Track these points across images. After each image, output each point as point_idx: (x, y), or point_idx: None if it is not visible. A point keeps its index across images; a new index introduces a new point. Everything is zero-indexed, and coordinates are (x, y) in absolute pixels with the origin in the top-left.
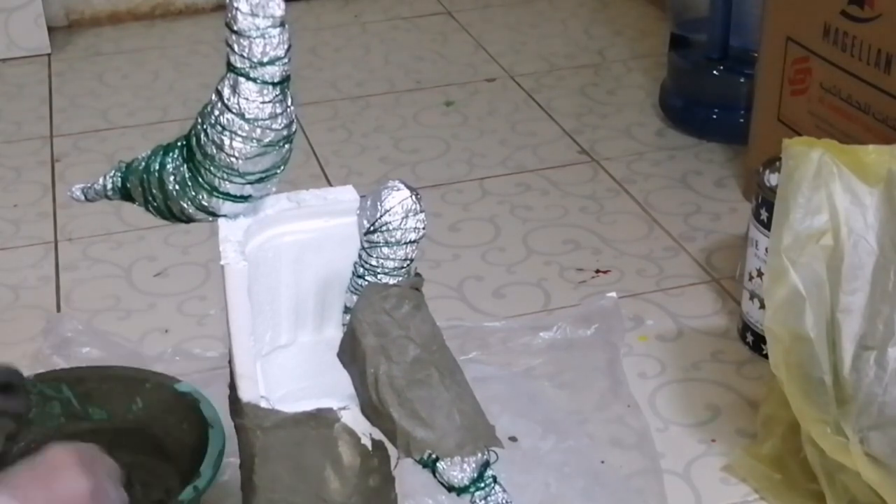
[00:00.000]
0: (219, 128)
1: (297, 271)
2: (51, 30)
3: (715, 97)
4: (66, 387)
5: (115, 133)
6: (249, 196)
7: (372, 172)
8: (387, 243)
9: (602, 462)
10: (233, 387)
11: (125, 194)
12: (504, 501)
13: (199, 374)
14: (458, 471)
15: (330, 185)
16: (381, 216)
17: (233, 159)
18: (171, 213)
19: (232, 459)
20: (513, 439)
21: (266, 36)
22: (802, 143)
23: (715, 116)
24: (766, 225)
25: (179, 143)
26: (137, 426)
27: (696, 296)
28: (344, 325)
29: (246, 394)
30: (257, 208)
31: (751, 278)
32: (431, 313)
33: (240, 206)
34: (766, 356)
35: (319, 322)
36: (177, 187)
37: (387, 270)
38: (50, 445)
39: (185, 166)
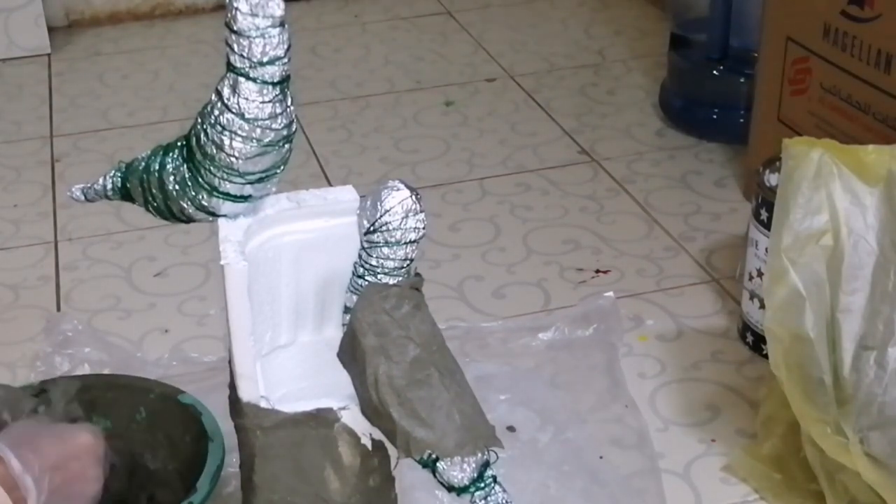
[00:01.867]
0: (219, 128)
1: (297, 271)
2: (51, 30)
3: (715, 97)
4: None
5: (115, 133)
6: (249, 196)
7: (372, 172)
8: (387, 243)
9: (601, 457)
10: (233, 387)
11: (125, 194)
12: (504, 501)
13: (199, 380)
14: (458, 471)
15: (330, 185)
16: (381, 216)
17: (233, 159)
18: (171, 213)
19: (233, 469)
20: (511, 429)
21: (266, 36)
22: (802, 143)
23: (715, 116)
24: (766, 225)
25: (179, 143)
26: (140, 436)
27: (696, 296)
28: (344, 325)
29: (246, 394)
30: (257, 208)
31: (751, 278)
32: (431, 313)
33: (240, 206)
34: (766, 356)
35: (319, 322)
36: (177, 187)
37: (387, 270)
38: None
39: (185, 166)
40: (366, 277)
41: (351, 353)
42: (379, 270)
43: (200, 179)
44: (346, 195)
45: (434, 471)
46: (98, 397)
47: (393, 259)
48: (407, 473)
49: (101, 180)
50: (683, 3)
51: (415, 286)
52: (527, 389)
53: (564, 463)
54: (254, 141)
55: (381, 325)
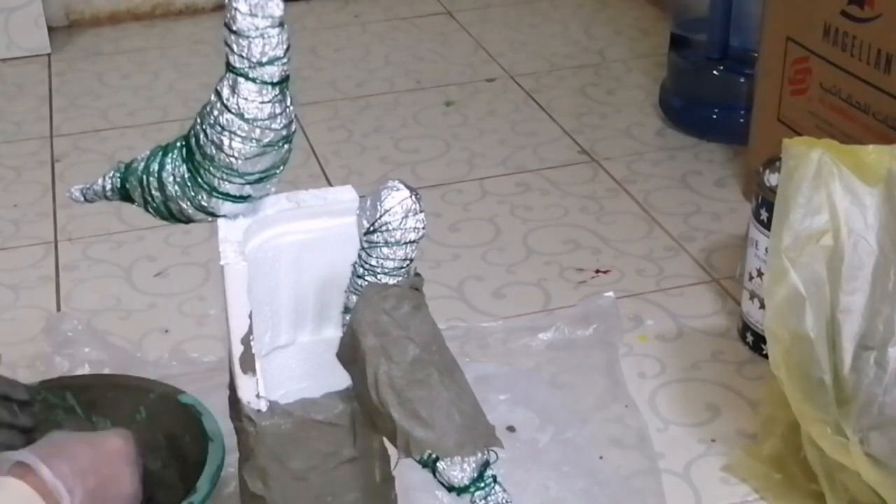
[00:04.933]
0: (218, 128)
1: (296, 271)
2: (51, 30)
3: (715, 97)
4: (71, 395)
5: (115, 133)
6: (249, 196)
7: (372, 172)
8: (386, 243)
9: (601, 458)
10: (232, 387)
11: (124, 195)
12: (504, 501)
13: (199, 380)
14: (458, 470)
15: (330, 185)
16: (381, 216)
17: (232, 159)
18: (170, 214)
19: (233, 469)
20: (511, 429)
21: (265, 36)
22: (802, 143)
23: (715, 116)
24: (766, 225)
25: (179, 144)
26: (140, 436)
27: (696, 296)
28: (344, 325)
29: (245, 394)
30: (257, 208)
31: (751, 278)
32: (431, 313)
33: (239, 207)
34: (766, 356)
35: (319, 322)
36: (176, 188)
37: (386, 270)
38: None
39: (185, 166)
40: (365, 277)
41: (351, 354)
42: (379, 270)
43: (200, 180)
44: (346, 195)
45: (434, 471)
46: (98, 397)
47: (392, 259)
48: (407, 473)
49: (100, 181)
50: (683, 3)
51: (415, 286)
52: (527, 389)
53: (564, 463)
54: (253, 141)
55: (380, 325)
